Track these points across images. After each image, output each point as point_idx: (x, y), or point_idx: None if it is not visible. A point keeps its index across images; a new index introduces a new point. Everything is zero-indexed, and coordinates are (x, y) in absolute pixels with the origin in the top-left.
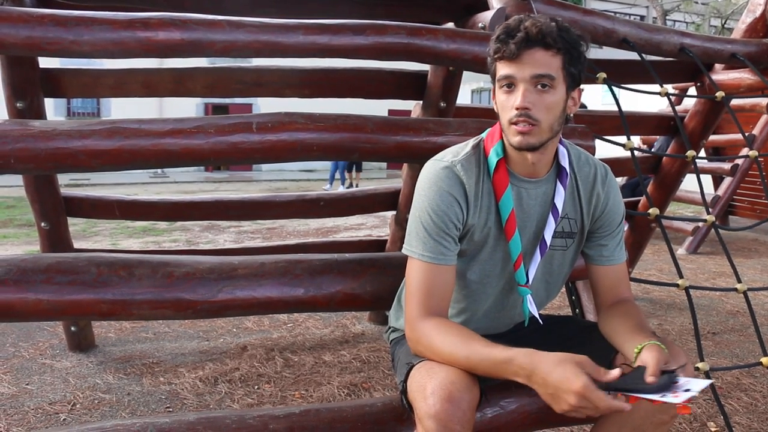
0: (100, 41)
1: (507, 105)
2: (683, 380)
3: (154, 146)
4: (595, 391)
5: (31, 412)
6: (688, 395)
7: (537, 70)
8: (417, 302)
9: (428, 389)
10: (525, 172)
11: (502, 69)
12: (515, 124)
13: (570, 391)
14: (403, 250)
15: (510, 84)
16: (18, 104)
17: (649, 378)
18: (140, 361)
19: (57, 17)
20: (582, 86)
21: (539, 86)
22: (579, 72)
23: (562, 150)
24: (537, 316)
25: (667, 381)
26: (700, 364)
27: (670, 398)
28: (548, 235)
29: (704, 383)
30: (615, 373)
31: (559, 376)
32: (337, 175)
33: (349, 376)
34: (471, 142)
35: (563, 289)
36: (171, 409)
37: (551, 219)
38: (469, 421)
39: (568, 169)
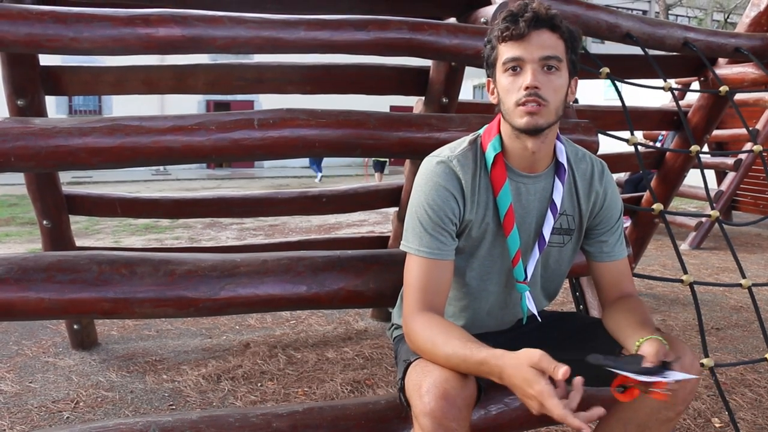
0: (100, 38)
1: (513, 87)
2: (672, 372)
3: (154, 143)
4: (551, 398)
5: (34, 411)
6: (656, 379)
7: (545, 51)
8: (413, 298)
9: (423, 387)
10: (523, 167)
11: (509, 51)
12: (523, 104)
13: (530, 396)
14: (401, 247)
15: (516, 66)
16: (19, 102)
17: (646, 363)
18: (143, 359)
19: (57, 14)
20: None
21: (546, 68)
22: (577, 61)
23: (560, 146)
24: (535, 314)
25: (659, 369)
26: (704, 360)
27: (643, 377)
28: (547, 232)
29: (686, 376)
30: (564, 369)
31: (520, 378)
32: (312, 172)
33: (353, 373)
34: (468, 137)
35: (566, 285)
36: (174, 407)
37: (549, 215)
38: (465, 419)
39: (566, 165)
